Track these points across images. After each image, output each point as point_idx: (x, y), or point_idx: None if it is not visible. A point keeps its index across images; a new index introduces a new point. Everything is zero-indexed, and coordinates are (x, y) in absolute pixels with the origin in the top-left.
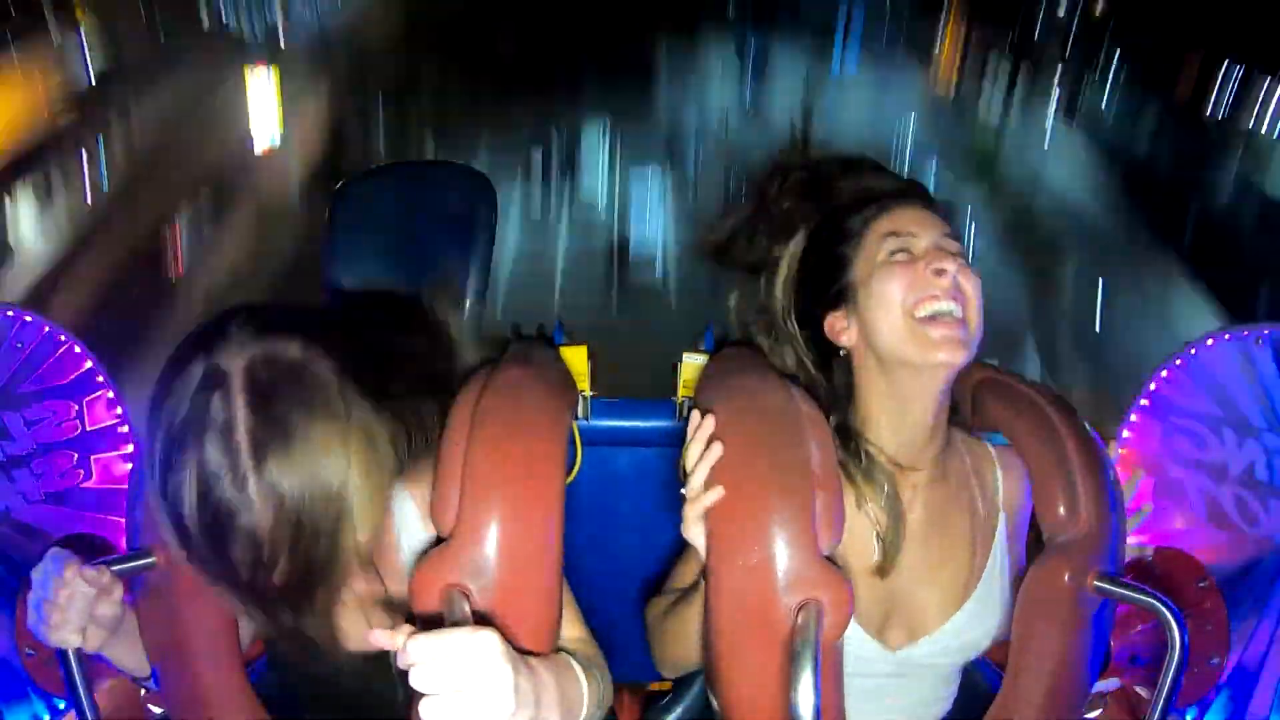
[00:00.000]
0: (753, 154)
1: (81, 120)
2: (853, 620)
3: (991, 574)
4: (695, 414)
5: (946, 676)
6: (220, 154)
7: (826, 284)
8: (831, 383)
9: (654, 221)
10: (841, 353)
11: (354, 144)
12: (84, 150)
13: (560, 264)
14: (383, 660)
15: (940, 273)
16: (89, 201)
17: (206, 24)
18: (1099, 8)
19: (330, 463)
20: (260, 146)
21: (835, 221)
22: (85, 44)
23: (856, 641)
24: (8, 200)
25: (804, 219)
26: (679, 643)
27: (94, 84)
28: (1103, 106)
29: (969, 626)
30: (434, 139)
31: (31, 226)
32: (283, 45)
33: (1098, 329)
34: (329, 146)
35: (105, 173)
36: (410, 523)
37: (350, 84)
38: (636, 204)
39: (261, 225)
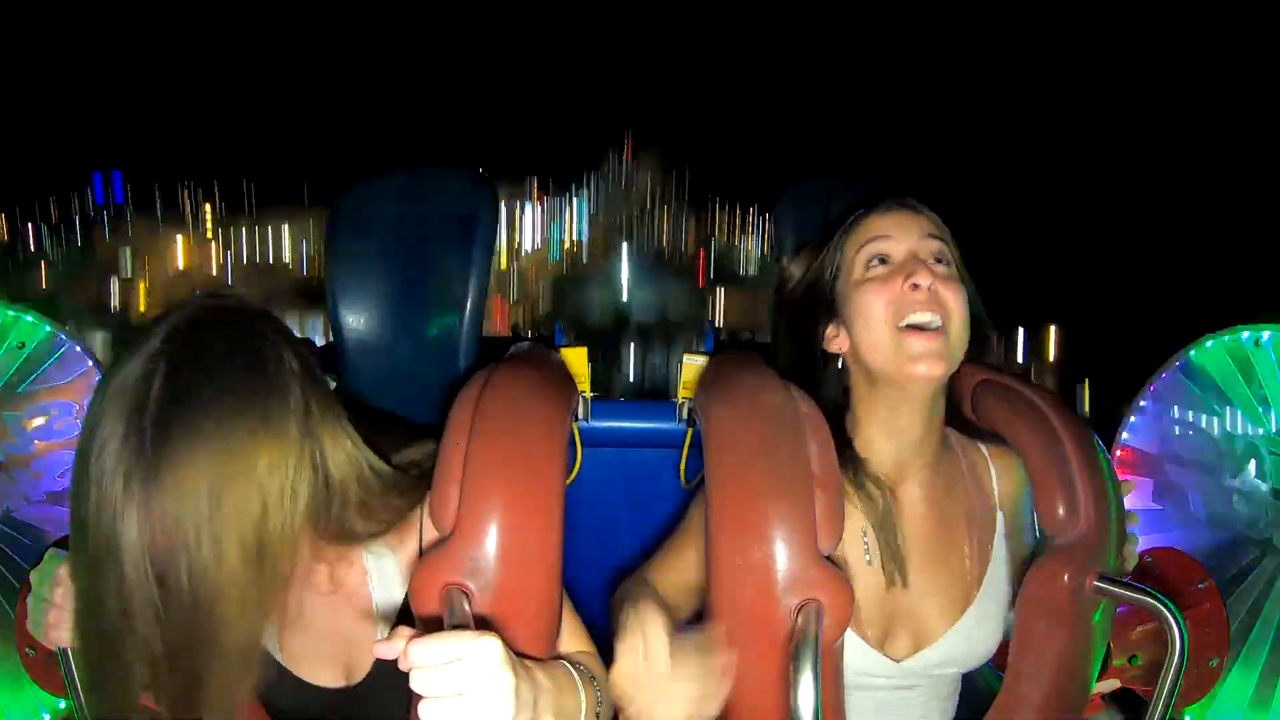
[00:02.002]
0: None
1: None
2: (854, 634)
3: (994, 578)
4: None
5: (949, 686)
6: None
7: (818, 294)
8: (825, 392)
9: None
10: (836, 362)
11: None
12: None
13: None
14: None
15: (915, 288)
16: None
17: None
18: None
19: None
20: None
21: (823, 233)
22: None
23: (860, 654)
24: None
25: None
26: None
27: None
28: None
29: (974, 632)
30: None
31: None
32: None
33: None
34: None
35: None
36: (389, 579)
37: None
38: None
39: None
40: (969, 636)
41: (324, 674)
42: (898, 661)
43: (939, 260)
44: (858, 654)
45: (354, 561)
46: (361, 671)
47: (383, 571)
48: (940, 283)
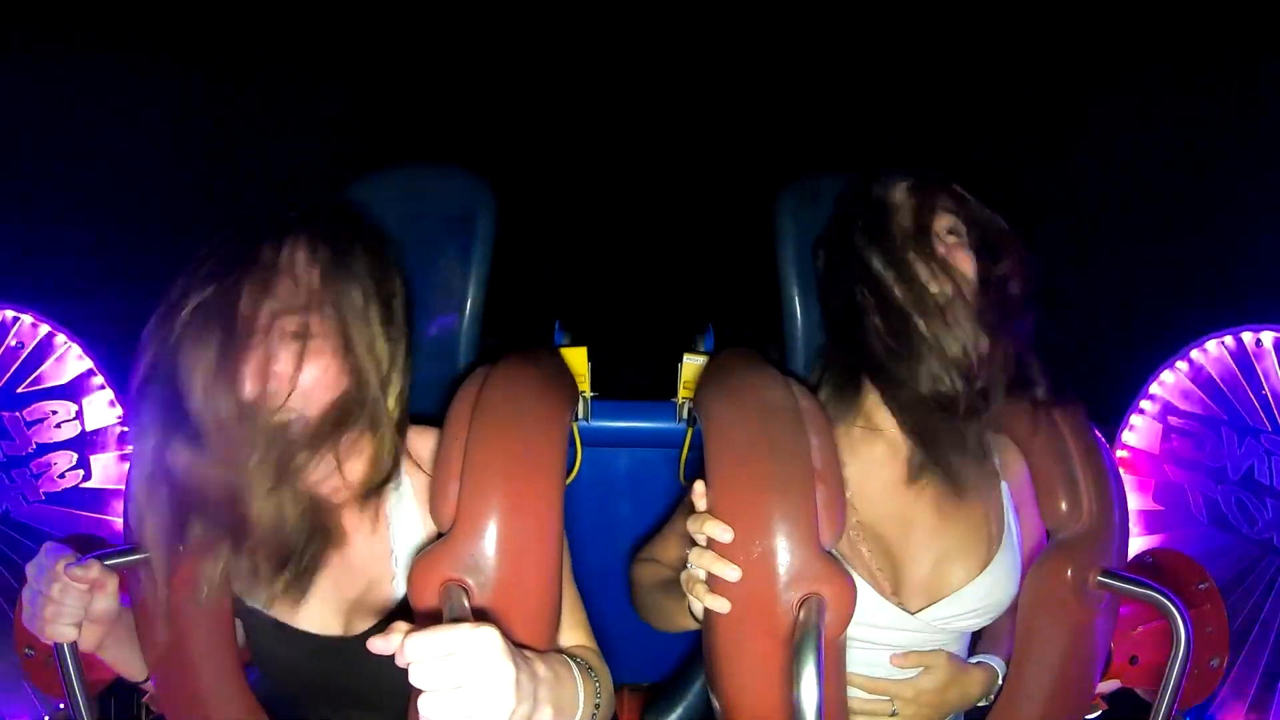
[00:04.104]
0: None
1: None
2: (866, 586)
3: (1010, 536)
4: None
5: (961, 645)
6: None
7: (853, 260)
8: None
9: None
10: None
11: None
12: None
13: None
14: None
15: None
16: None
17: None
18: None
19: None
20: None
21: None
22: None
23: (873, 607)
24: None
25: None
26: (665, 618)
27: None
28: None
29: (995, 587)
30: None
31: None
32: None
33: None
34: None
35: None
36: (408, 518)
37: None
38: None
39: None
40: (990, 591)
41: (321, 622)
42: (914, 614)
43: (951, 232)
44: (869, 606)
45: (376, 515)
46: (364, 625)
47: (403, 516)
48: (951, 254)
